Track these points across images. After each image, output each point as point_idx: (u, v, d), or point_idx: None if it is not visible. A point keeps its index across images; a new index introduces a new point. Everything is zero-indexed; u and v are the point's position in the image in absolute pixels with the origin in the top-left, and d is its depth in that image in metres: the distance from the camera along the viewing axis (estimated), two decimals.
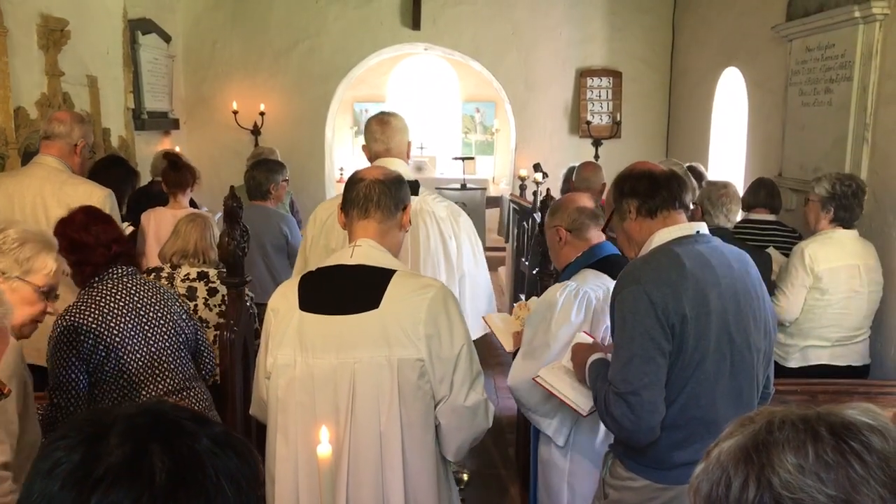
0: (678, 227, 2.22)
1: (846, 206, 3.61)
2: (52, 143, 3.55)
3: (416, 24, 8.04)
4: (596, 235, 2.80)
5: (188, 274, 3.54)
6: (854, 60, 4.26)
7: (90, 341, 2.60)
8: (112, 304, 2.67)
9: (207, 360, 3.06)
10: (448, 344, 2.13)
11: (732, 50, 6.46)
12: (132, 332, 2.68)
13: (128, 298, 2.70)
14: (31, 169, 3.58)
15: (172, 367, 2.79)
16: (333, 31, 8.11)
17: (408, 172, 3.12)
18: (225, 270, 3.31)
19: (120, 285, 2.71)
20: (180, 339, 2.82)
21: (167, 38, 7.40)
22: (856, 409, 0.89)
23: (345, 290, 2.14)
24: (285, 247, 4.75)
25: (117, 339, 2.64)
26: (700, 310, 2.08)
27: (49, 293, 2.24)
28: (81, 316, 2.62)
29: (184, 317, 2.89)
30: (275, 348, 2.17)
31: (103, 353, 2.61)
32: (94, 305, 2.65)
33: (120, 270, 2.73)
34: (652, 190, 2.25)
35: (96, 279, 2.71)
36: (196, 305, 3.49)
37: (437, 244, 3.11)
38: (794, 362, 3.71)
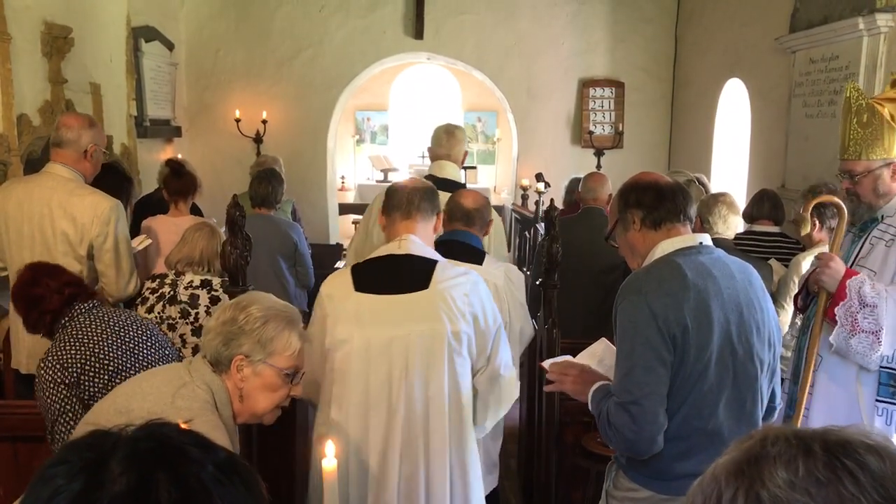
0: (681, 239, 2.22)
1: (827, 213, 3.62)
2: (62, 152, 3.50)
3: (418, 33, 8.06)
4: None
5: (191, 281, 3.53)
6: (858, 72, 4.26)
7: (82, 376, 2.58)
8: (93, 336, 2.65)
9: None
10: (487, 321, 2.51)
11: (735, 61, 6.47)
12: (123, 356, 2.66)
13: (105, 326, 2.68)
14: (40, 178, 3.54)
15: None
16: (336, 39, 8.12)
17: (459, 175, 3.94)
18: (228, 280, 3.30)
19: (91, 317, 2.69)
20: (165, 353, 2.81)
21: (170, 46, 7.41)
22: (856, 429, 0.87)
23: (397, 275, 2.48)
24: (294, 255, 4.76)
25: (111, 366, 2.62)
26: (702, 320, 2.08)
27: (293, 376, 2.04)
28: (68, 356, 2.60)
29: (165, 341, 2.88)
30: (332, 326, 2.47)
31: (99, 384, 2.59)
32: (76, 343, 2.62)
33: (84, 306, 2.71)
34: (657, 202, 2.24)
35: (65, 320, 2.69)
36: (198, 313, 3.47)
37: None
38: None
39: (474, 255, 3.10)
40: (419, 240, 2.55)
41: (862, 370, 2.75)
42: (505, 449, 4.97)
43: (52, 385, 2.57)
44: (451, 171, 3.87)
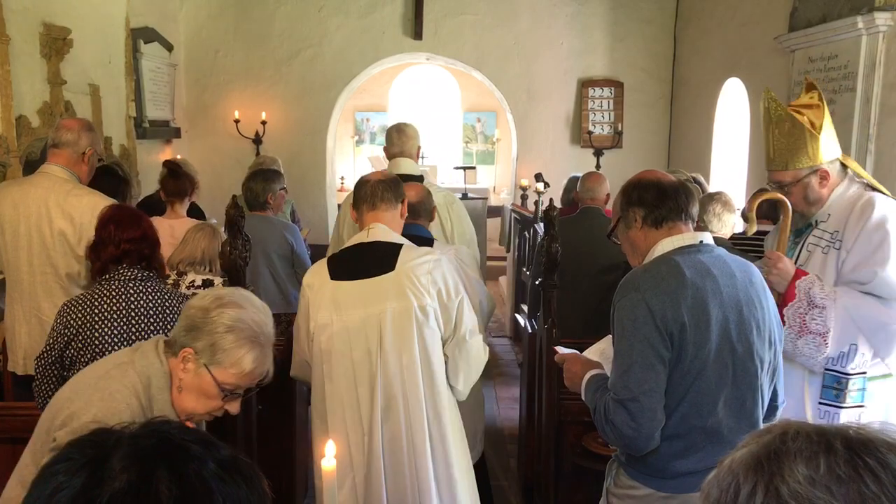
0: (681, 237, 2.23)
1: None
2: (60, 152, 3.51)
3: (417, 33, 8.06)
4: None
5: (193, 281, 3.53)
6: (857, 71, 4.25)
7: (70, 334, 2.67)
8: (105, 307, 2.68)
9: None
10: (449, 294, 2.79)
11: (734, 60, 6.46)
12: (118, 339, 2.68)
13: (124, 303, 2.70)
14: (36, 178, 3.55)
15: None
16: (335, 40, 8.12)
17: (415, 168, 4.18)
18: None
19: (122, 289, 2.72)
20: None
21: (169, 47, 7.41)
22: (878, 427, 0.86)
23: (366, 261, 2.77)
24: (290, 255, 4.75)
25: (98, 342, 2.65)
26: (699, 318, 2.09)
27: (231, 393, 1.93)
28: (73, 310, 2.69)
29: None
30: (314, 313, 2.76)
31: (81, 351, 2.65)
32: (87, 304, 2.69)
33: (128, 273, 2.74)
34: (659, 200, 2.24)
35: (105, 277, 2.74)
36: None
37: (436, 222, 3.88)
38: None
39: (423, 244, 3.25)
40: (386, 227, 2.84)
41: (810, 373, 2.74)
42: (505, 449, 4.98)
43: (54, 326, 2.73)
44: (406, 166, 4.11)
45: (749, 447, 0.89)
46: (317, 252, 5.21)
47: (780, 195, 2.83)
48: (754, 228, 2.96)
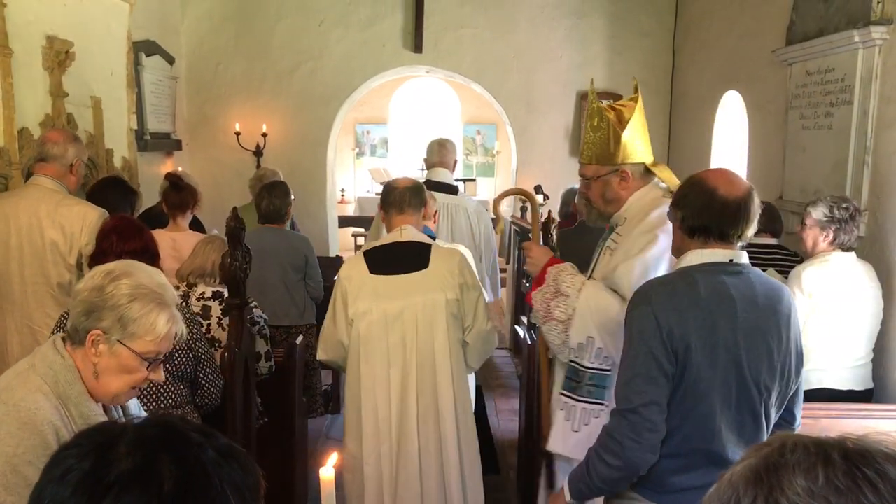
0: (711, 252, 2.18)
1: (846, 229, 3.60)
2: (48, 165, 3.55)
3: (417, 47, 8.10)
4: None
5: (203, 293, 3.55)
6: (854, 84, 4.28)
7: None
8: None
9: (207, 391, 3.02)
10: (471, 289, 3.20)
11: (732, 73, 6.50)
12: None
13: None
14: (26, 190, 3.59)
15: (153, 394, 2.80)
16: (336, 53, 8.17)
17: (450, 178, 4.93)
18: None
19: None
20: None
21: (171, 60, 7.44)
22: (875, 438, 0.87)
23: (402, 258, 3.16)
24: (304, 269, 4.86)
25: None
26: (707, 341, 2.07)
27: (153, 361, 1.89)
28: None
29: (178, 351, 2.84)
30: (353, 302, 3.13)
31: None
32: None
33: None
34: (701, 212, 2.19)
35: None
36: (209, 324, 3.50)
37: (467, 228, 4.85)
38: None
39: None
40: (414, 228, 3.22)
41: (560, 364, 2.76)
42: (505, 461, 4.98)
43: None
44: (444, 175, 4.84)
45: (748, 460, 0.90)
46: (320, 263, 5.23)
47: (525, 190, 3.29)
48: (501, 226, 3.14)
